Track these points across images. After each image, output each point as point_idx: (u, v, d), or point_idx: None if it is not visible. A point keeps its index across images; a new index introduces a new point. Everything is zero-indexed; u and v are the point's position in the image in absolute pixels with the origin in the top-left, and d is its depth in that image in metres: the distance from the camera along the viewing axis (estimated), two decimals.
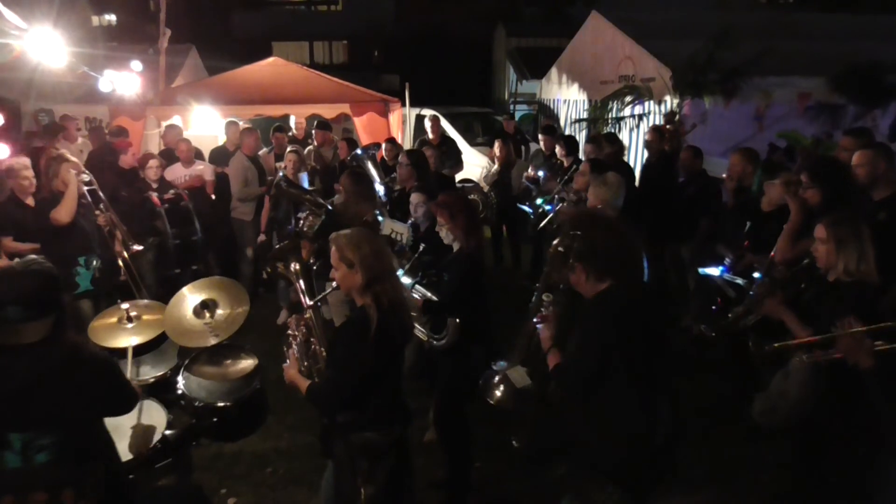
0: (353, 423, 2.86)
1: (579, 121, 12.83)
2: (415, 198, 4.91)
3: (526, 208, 7.64)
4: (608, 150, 7.08)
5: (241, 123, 8.63)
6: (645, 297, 2.70)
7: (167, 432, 3.43)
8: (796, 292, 3.33)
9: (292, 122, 10.01)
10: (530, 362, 2.99)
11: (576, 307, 2.79)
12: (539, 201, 6.97)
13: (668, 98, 10.19)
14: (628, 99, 10.97)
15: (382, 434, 2.89)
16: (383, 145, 8.48)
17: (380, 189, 6.14)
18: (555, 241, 2.74)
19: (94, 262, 5.10)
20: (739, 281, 4.37)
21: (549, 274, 2.90)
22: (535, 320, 2.90)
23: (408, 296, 3.95)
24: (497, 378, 2.97)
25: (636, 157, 10.83)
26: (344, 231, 2.91)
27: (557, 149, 7.69)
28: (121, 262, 5.45)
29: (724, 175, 5.90)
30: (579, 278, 2.64)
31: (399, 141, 9.86)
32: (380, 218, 4.84)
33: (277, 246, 6.08)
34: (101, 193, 5.45)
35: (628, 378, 2.56)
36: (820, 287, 3.13)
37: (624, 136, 10.78)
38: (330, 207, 5.36)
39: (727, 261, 4.72)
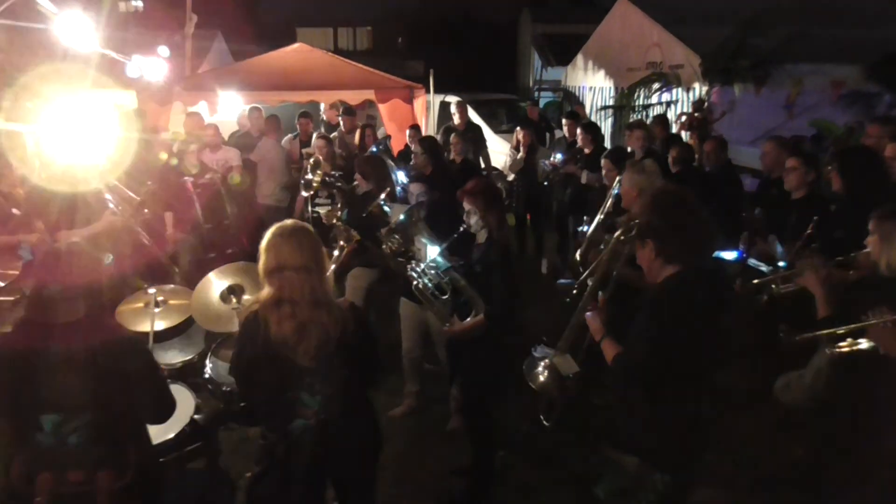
0: (246, 412, 2.83)
1: (605, 108, 12.70)
2: (414, 187, 4.86)
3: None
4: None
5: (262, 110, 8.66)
6: (709, 283, 2.66)
7: (196, 416, 3.45)
8: (843, 276, 3.27)
9: (322, 108, 10.01)
10: (577, 352, 2.96)
11: (628, 295, 2.74)
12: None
13: (696, 85, 10.04)
14: (656, 86, 10.83)
15: (263, 433, 2.79)
16: (407, 132, 8.46)
17: (401, 178, 6.13)
18: (622, 218, 2.70)
19: (106, 260, 5.10)
20: (763, 268, 4.30)
21: (606, 263, 2.81)
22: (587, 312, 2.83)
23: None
24: (543, 364, 2.94)
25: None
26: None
27: (580, 137, 7.58)
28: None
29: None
30: (647, 257, 2.59)
31: (423, 128, 9.82)
32: (386, 208, 4.79)
33: None
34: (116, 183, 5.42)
35: (688, 369, 2.53)
36: (873, 280, 3.05)
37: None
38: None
39: (742, 245, 4.68)
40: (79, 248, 2.62)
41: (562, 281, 6.33)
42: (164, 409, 2.79)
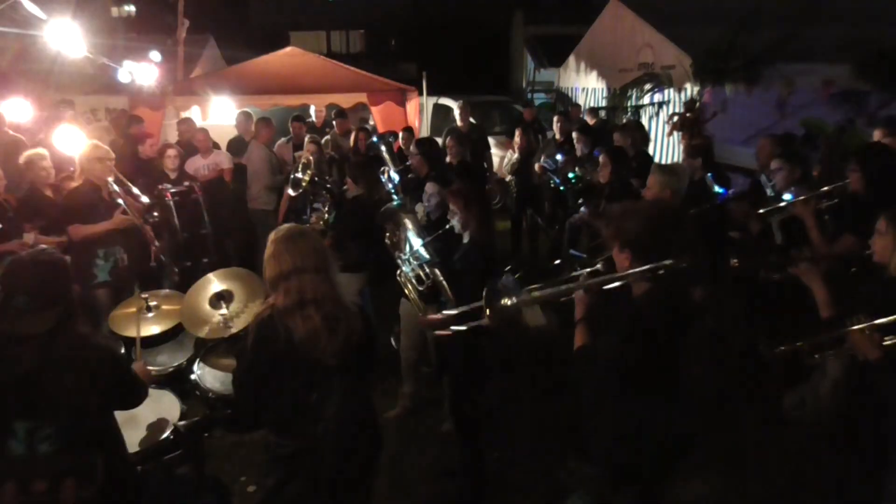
0: (264, 420, 2.77)
1: (598, 109, 12.72)
2: (429, 187, 4.89)
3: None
4: (629, 139, 6.99)
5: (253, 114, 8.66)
6: (687, 298, 2.66)
7: (179, 423, 3.44)
8: (842, 272, 3.25)
9: (312, 110, 10.03)
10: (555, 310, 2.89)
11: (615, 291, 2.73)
12: (571, 175, 6.88)
13: (687, 86, 10.08)
14: (647, 87, 10.87)
15: (276, 440, 2.73)
16: (400, 134, 8.47)
17: (395, 176, 6.14)
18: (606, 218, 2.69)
19: (117, 254, 5.12)
20: (769, 190, 4.57)
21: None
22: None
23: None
24: (514, 298, 2.69)
25: (655, 146, 10.73)
26: (282, 227, 2.82)
27: (576, 139, 7.57)
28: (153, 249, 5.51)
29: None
30: (622, 265, 2.59)
31: (416, 130, 9.83)
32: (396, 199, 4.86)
33: None
34: (129, 185, 5.43)
35: (654, 382, 2.53)
36: (880, 282, 2.98)
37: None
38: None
39: (732, 191, 4.79)
40: (47, 255, 2.55)
41: (573, 252, 6.35)
42: (133, 395, 2.77)
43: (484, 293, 2.71)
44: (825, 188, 4.29)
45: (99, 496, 2.48)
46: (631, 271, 2.54)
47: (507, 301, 2.67)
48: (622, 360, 2.52)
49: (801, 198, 4.15)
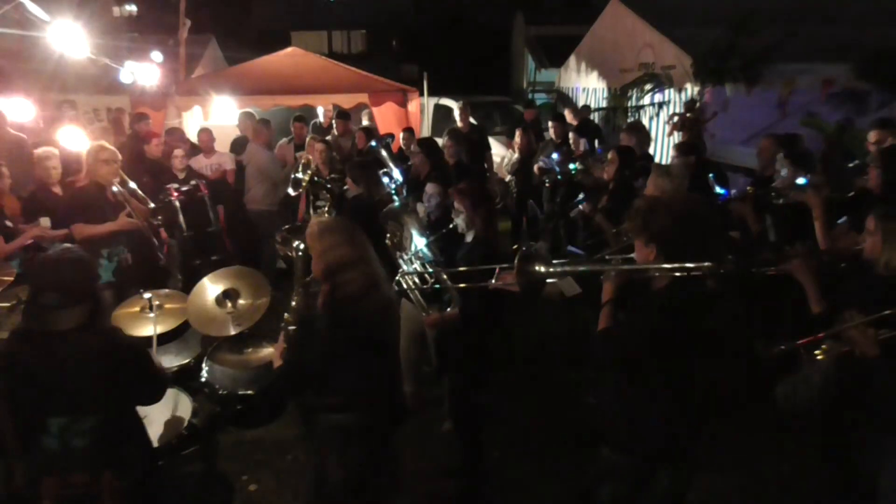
0: (322, 405, 2.84)
1: (598, 109, 12.75)
2: (430, 188, 4.89)
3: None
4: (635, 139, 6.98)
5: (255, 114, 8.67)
6: (704, 295, 2.69)
7: (193, 420, 3.47)
8: (831, 269, 3.28)
9: (319, 111, 10.03)
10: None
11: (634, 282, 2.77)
12: (572, 166, 6.88)
13: (688, 86, 10.10)
14: (648, 87, 10.91)
15: (352, 419, 2.80)
16: (401, 134, 8.48)
17: (397, 176, 6.15)
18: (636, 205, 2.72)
19: (121, 254, 5.13)
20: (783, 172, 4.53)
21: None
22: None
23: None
24: (546, 267, 2.75)
25: (656, 146, 10.75)
26: (316, 220, 2.94)
27: (572, 139, 7.60)
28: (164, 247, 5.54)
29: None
30: (646, 258, 2.62)
31: (417, 130, 9.84)
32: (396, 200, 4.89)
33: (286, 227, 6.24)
34: (134, 186, 5.43)
35: (677, 371, 2.58)
36: (870, 279, 3.03)
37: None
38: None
39: (733, 192, 4.87)
40: (73, 253, 2.60)
41: (571, 249, 6.35)
42: (156, 390, 2.85)
43: (518, 255, 2.77)
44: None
45: (135, 487, 2.55)
46: (664, 266, 2.58)
47: (540, 267, 2.74)
48: (643, 350, 2.57)
49: (816, 183, 4.12)
